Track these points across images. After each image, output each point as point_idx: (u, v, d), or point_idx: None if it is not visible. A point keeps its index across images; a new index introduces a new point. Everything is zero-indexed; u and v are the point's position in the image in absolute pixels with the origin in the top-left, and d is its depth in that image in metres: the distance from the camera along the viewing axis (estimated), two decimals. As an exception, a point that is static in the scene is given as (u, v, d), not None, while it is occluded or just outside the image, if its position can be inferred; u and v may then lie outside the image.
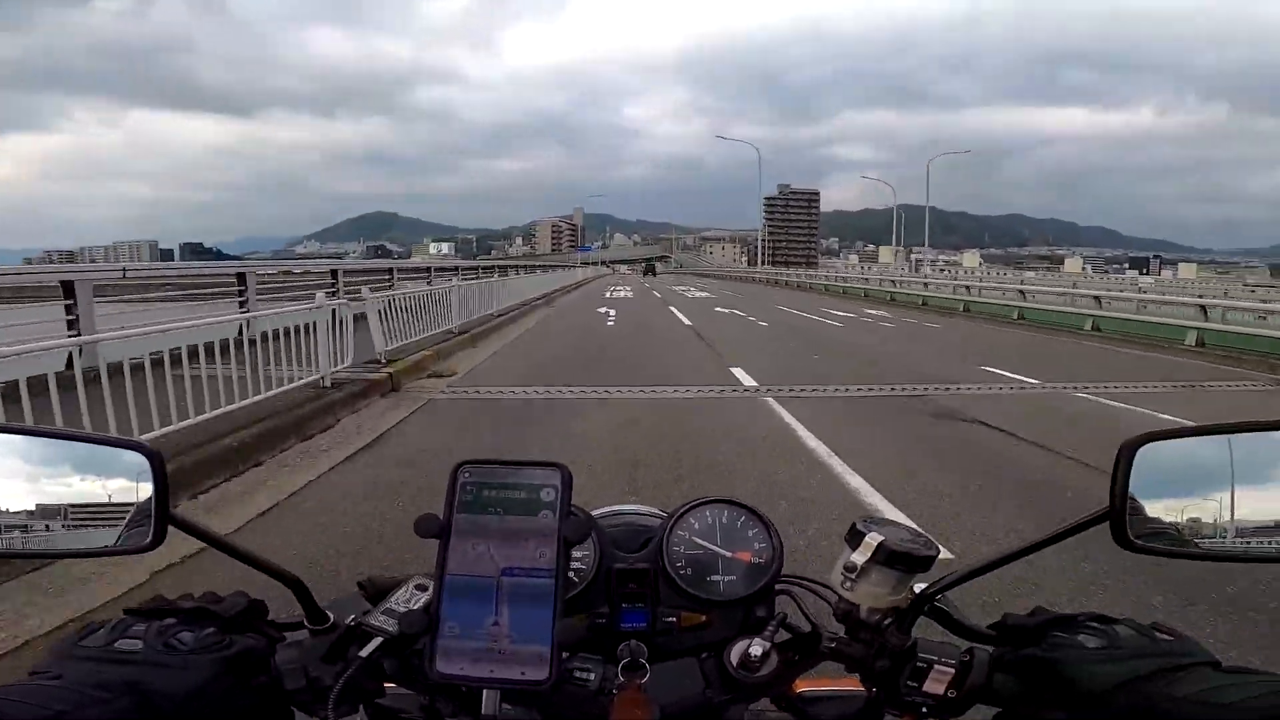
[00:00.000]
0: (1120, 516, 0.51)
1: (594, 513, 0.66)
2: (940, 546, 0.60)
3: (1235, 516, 0.51)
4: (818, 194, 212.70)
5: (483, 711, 0.47)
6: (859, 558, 0.56)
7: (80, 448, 0.55)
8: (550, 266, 34.53)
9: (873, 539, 0.55)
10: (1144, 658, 0.47)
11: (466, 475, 0.49)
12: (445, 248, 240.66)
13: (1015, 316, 15.61)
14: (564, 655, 0.49)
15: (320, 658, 0.52)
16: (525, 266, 30.53)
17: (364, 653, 0.50)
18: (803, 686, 0.62)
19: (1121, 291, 19.82)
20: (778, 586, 0.61)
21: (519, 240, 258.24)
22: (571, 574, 0.58)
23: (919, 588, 0.57)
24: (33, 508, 0.53)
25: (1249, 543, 0.51)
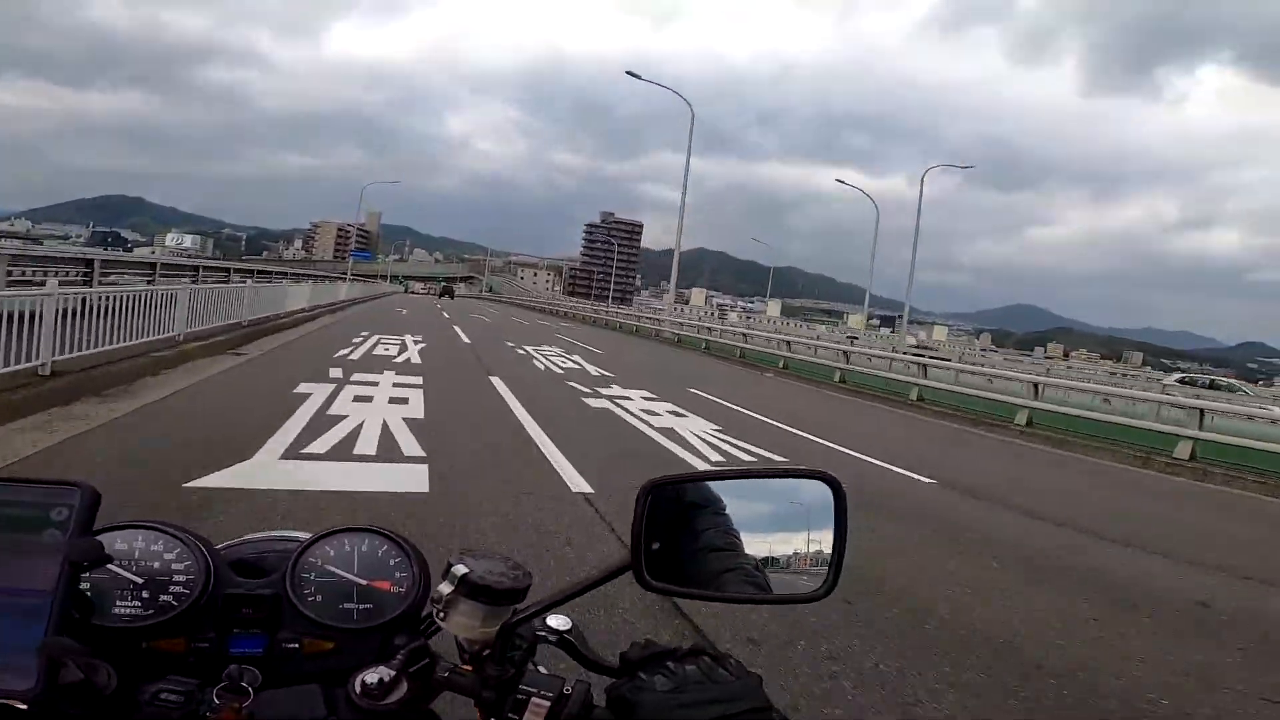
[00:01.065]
0: (638, 561, 0.54)
1: (233, 540, 0.69)
2: (533, 578, 0.59)
3: (744, 555, 0.57)
4: (640, 226, 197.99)
5: None
6: (445, 588, 0.56)
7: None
8: (320, 277, 30.05)
9: (457, 570, 0.56)
10: (703, 704, 0.51)
11: None
12: (189, 240, 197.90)
13: (837, 379, 15.26)
14: (69, 672, 0.47)
15: None
16: (288, 274, 26.59)
17: None
18: None
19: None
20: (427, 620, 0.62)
21: (298, 243, 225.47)
22: (169, 597, 0.59)
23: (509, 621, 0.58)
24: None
25: (753, 582, 0.57)
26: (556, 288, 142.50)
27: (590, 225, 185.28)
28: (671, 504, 0.57)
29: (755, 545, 0.57)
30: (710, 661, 0.54)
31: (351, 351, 10.52)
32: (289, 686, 0.58)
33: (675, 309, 29.55)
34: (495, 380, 9.15)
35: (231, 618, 0.60)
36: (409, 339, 13.39)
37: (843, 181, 35.47)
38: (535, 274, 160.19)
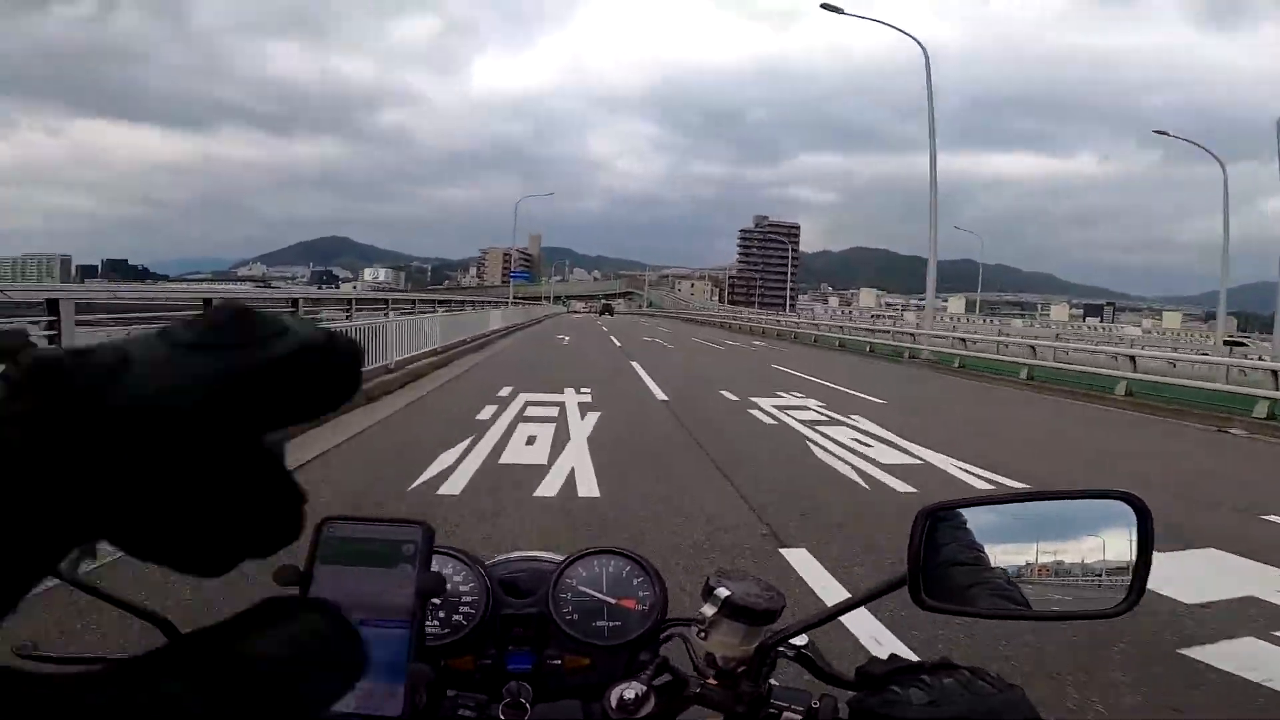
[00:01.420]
0: (915, 579, 0.55)
1: (494, 559, 0.72)
2: (785, 599, 0.62)
3: (1019, 577, 0.55)
4: (797, 229, 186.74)
5: None
6: (708, 610, 0.60)
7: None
8: (484, 302, 26.85)
9: (720, 594, 0.59)
10: (964, 716, 0.50)
11: (330, 530, 0.51)
12: (383, 274, 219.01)
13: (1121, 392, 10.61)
14: (420, 695, 0.52)
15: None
16: (460, 301, 24.24)
17: None
18: None
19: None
20: (671, 631, 0.65)
21: (473, 271, 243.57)
22: (460, 617, 0.64)
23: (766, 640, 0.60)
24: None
25: (1030, 602, 0.55)
26: (713, 297, 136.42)
27: (745, 231, 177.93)
28: (948, 527, 0.57)
29: (1003, 559, 0.56)
30: (968, 675, 0.53)
31: (461, 460, 4.94)
32: (553, 701, 0.62)
33: (930, 316, 21.42)
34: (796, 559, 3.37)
35: (506, 636, 0.64)
36: (571, 399, 7.78)
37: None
38: (692, 285, 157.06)
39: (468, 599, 0.65)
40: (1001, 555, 0.56)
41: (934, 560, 0.55)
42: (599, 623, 0.65)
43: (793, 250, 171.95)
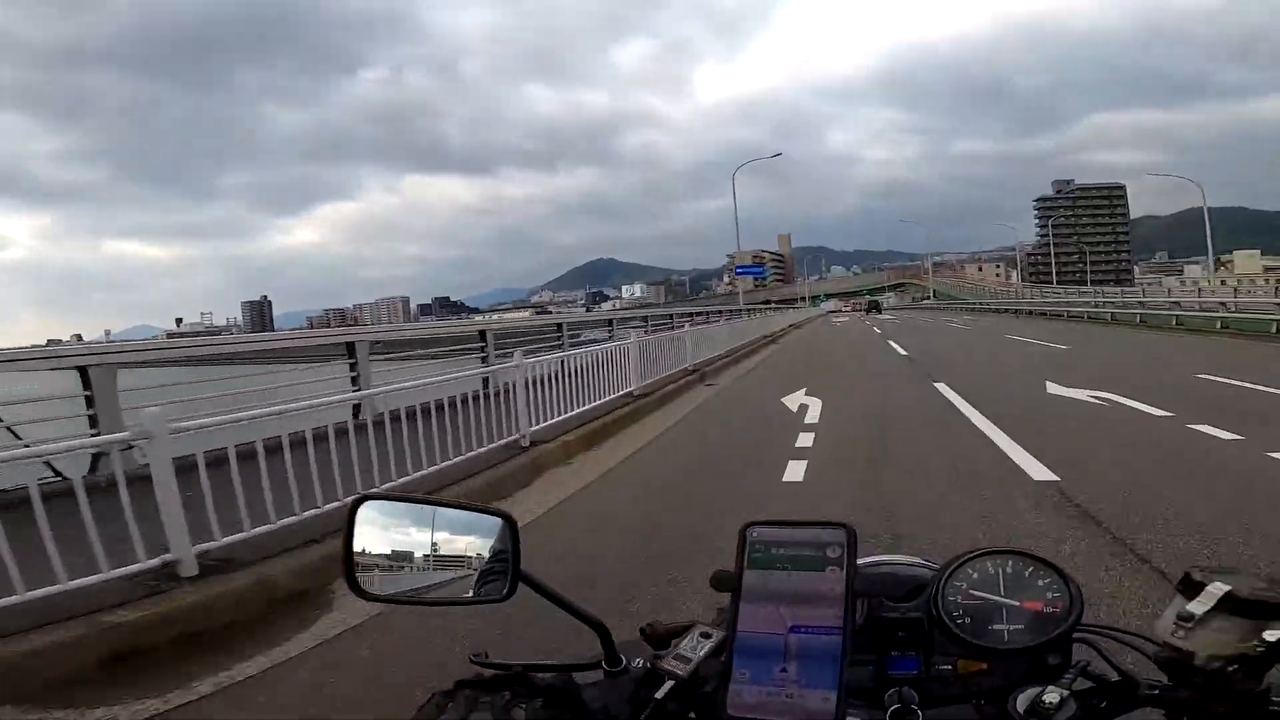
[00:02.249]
0: None
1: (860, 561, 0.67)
2: None
3: None
4: (1122, 188, 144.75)
5: None
6: (1197, 608, 0.53)
7: (449, 513, 0.66)
8: (732, 311, 24.03)
9: (1216, 589, 0.53)
10: None
11: (755, 534, 0.53)
12: (638, 289, 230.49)
13: None
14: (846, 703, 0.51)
15: (624, 699, 0.58)
16: (698, 313, 22.80)
17: (659, 694, 0.55)
18: None
19: None
20: (1075, 635, 0.60)
21: (725, 278, 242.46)
22: None
23: (1272, 635, 0.52)
24: (408, 561, 0.65)
25: None
26: (1005, 278, 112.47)
27: (1044, 200, 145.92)
28: None
29: None
30: None
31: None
32: (943, 706, 0.59)
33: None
34: None
35: (888, 640, 0.62)
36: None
37: None
38: (980, 268, 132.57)
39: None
40: None
41: None
42: (996, 626, 0.61)
43: (1114, 218, 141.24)
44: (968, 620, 0.61)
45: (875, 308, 71.76)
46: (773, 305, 53.78)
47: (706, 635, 0.59)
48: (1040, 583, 0.62)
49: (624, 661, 0.61)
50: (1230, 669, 0.52)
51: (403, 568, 0.66)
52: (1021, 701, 0.55)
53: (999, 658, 0.60)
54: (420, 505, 0.69)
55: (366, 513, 0.68)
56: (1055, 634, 0.59)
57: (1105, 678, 0.57)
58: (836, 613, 0.50)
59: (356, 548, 0.66)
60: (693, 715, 0.57)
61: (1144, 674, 0.56)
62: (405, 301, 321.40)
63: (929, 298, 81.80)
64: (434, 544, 0.65)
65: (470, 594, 0.63)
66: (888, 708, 0.58)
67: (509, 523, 0.64)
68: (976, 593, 0.62)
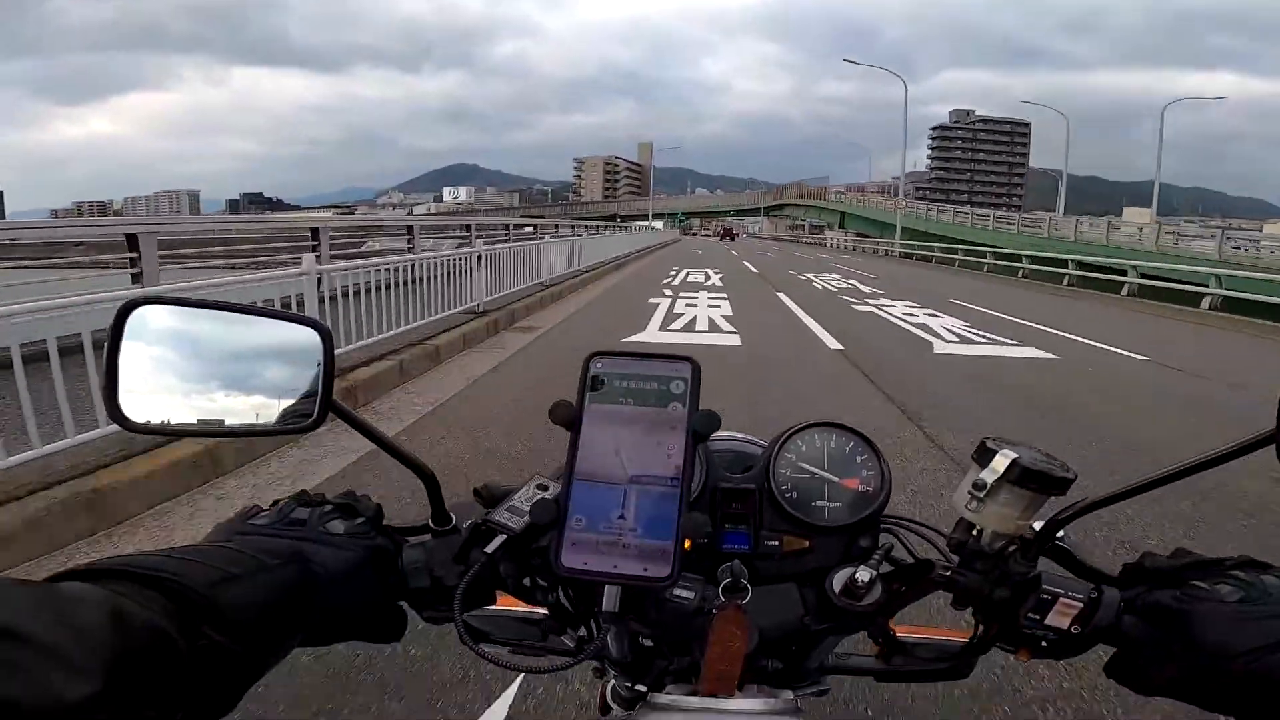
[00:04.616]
0: None
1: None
2: (1075, 473, 0.55)
3: None
4: (1028, 127, 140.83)
5: (603, 608, 0.48)
6: (989, 475, 0.54)
7: (253, 323, 0.54)
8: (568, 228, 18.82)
9: (1005, 456, 0.54)
10: None
11: (599, 366, 0.50)
12: (463, 193, 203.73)
13: None
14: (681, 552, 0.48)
15: (449, 557, 0.54)
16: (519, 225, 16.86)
17: (489, 549, 0.52)
18: (900, 632, 0.63)
19: None
20: (881, 526, 0.62)
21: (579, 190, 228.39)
22: None
23: (1038, 522, 0.55)
24: (200, 384, 0.52)
25: None
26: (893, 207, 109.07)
27: (940, 128, 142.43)
28: None
29: None
30: None
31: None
32: (769, 585, 0.59)
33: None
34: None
35: (723, 512, 0.61)
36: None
37: None
38: (864, 195, 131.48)
39: None
40: None
41: None
42: (819, 503, 0.61)
43: (1016, 153, 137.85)
44: (795, 495, 0.61)
45: (730, 235, 69.74)
46: (614, 224, 43.95)
47: (544, 487, 0.55)
48: (858, 459, 0.63)
49: (453, 520, 0.57)
50: (1010, 549, 0.55)
51: (186, 391, 0.52)
52: (837, 581, 0.57)
53: (820, 535, 0.60)
54: (212, 311, 0.54)
55: (140, 321, 0.50)
56: (868, 513, 0.60)
57: (905, 562, 0.59)
58: (678, 450, 0.47)
59: (123, 365, 0.50)
60: (528, 581, 0.55)
61: (941, 561, 0.58)
62: (194, 196, 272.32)
63: (836, 228, 57.59)
64: (228, 360, 0.53)
65: (270, 422, 0.53)
66: (720, 581, 0.57)
67: (324, 335, 0.53)
68: (804, 465, 0.63)
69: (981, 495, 0.54)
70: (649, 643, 0.60)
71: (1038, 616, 0.52)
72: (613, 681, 0.65)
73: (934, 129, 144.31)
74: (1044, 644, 0.53)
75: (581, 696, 1.78)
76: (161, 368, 0.52)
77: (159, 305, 0.51)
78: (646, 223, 58.37)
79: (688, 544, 0.55)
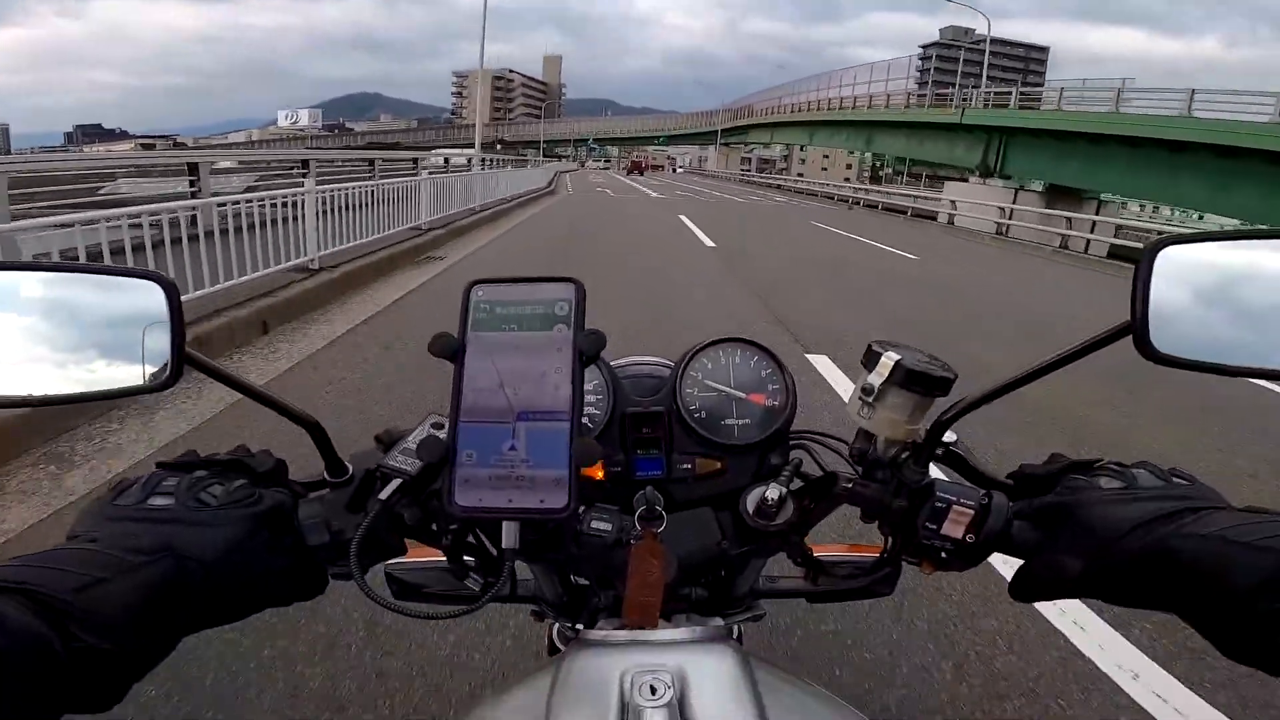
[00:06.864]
0: (1143, 326, 0.46)
1: (612, 361, 0.65)
2: (956, 372, 0.57)
3: (1267, 331, 0.49)
4: (1046, 52, 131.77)
5: (504, 545, 0.46)
6: (875, 379, 0.55)
7: (87, 282, 0.51)
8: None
9: (889, 358, 0.54)
10: (1161, 499, 0.47)
11: (480, 294, 0.47)
12: (303, 116, 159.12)
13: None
14: (580, 480, 0.46)
15: (344, 507, 0.51)
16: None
17: (383, 495, 0.50)
18: (818, 551, 0.64)
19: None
20: (790, 440, 0.62)
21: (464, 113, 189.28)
22: (585, 419, 0.59)
23: (924, 425, 0.56)
24: (38, 350, 0.48)
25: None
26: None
27: (932, 46, 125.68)
28: (1178, 270, 0.48)
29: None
30: (1159, 468, 0.50)
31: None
32: (684, 510, 0.59)
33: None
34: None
35: (634, 438, 0.60)
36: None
37: None
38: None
39: (590, 397, 0.60)
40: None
41: (1164, 303, 0.47)
42: (728, 421, 0.61)
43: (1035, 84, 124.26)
44: (704, 415, 0.61)
45: (638, 169, 60.64)
46: (495, 158, 23.33)
47: (439, 425, 0.52)
48: (763, 373, 0.63)
49: (350, 470, 0.53)
50: (903, 456, 0.55)
51: (21, 359, 0.48)
52: (750, 502, 0.56)
53: (732, 455, 0.60)
54: (42, 274, 0.50)
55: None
56: (775, 428, 0.60)
57: (815, 476, 0.59)
58: (565, 374, 0.44)
59: None
60: (436, 526, 0.53)
61: (846, 473, 0.58)
62: (3, 130, 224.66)
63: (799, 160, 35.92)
64: (64, 322, 0.49)
65: (117, 387, 0.49)
66: (635, 509, 0.57)
67: (167, 287, 0.48)
68: (711, 383, 0.62)
69: (871, 400, 0.55)
70: (583, 581, 0.60)
71: (934, 526, 0.52)
72: (555, 624, 0.65)
73: (924, 46, 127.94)
74: (943, 554, 0.53)
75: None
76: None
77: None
78: (537, 154, 44.30)
79: (597, 473, 0.57)
